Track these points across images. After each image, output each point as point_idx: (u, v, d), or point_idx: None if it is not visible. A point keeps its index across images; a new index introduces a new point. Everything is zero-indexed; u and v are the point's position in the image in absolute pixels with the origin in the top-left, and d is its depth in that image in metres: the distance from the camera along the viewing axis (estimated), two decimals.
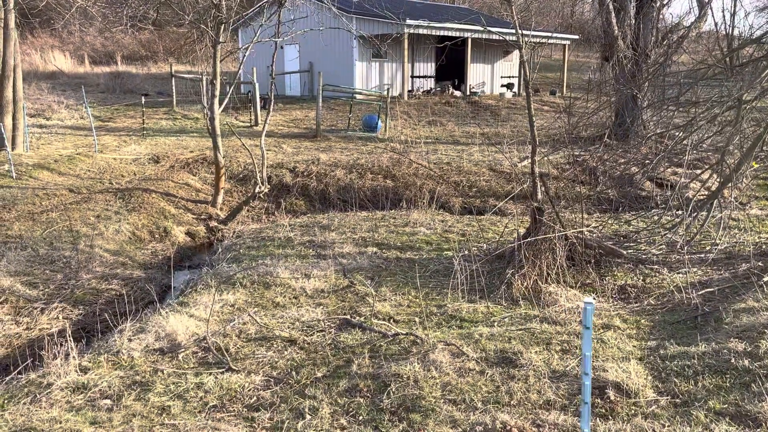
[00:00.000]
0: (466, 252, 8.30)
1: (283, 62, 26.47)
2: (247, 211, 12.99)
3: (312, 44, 24.10)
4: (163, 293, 8.46)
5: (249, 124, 20.11)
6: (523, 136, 17.45)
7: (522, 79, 29.12)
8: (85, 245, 9.65)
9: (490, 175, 14.22)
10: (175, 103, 22.33)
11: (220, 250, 9.87)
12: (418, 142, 17.35)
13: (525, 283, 6.88)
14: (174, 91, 22.51)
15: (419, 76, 26.76)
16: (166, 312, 6.48)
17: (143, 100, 19.96)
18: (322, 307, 6.71)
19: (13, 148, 14.66)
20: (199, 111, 21.45)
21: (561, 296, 6.67)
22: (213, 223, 12.13)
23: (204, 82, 19.11)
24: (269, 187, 12.86)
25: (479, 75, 28.35)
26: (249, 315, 6.33)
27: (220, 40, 11.72)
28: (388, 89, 20.46)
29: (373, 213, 11.71)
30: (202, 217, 12.37)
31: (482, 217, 11.52)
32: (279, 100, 23.22)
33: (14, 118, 14.84)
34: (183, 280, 8.90)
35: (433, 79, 27.28)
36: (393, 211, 11.80)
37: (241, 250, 9.30)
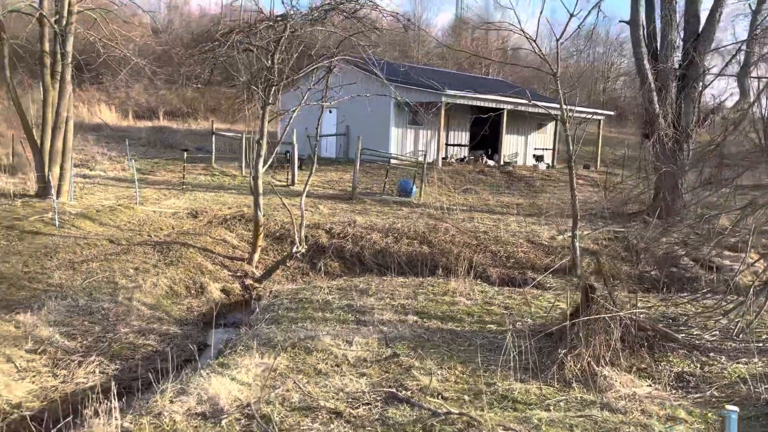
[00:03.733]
0: (511, 326, 8.05)
1: (321, 125, 27.00)
2: (282, 270, 12.92)
3: (350, 109, 24.57)
4: (199, 351, 8.30)
5: (286, 183, 20.35)
6: (559, 209, 17.31)
7: (562, 151, 29.25)
8: (123, 297, 9.60)
9: (528, 247, 14.01)
10: (213, 159, 22.78)
11: (258, 309, 9.75)
12: (453, 209, 17.30)
13: (579, 365, 6.59)
14: (213, 147, 23.03)
15: (453, 144, 27.03)
16: (207, 373, 6.31)
17: (185, 155, 20.42)
18: (365, 377, 6.48)
19: (57, 197, 14.94)
20: (236, 168, 21.84)
21: (616, 381, 6.36)
22: (248, 281, 12.06)
23: (244, 141, 19.56)
24: (306, 246, 12.83)
25: (513, 146, 28.55)
26: (294, 382, 6.12)
27: (270, 101, 12.00)
28: (423, 155, 20.64)
29: (411, 279, 11.53)
30: (238, 274, 12.31)
31: (521, 289, 11.26)
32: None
33: (62, 168, 15.21)
34: (220, 339, 8.75)
35: (467, 147, 27.54)
36: (431, 278, 11.62)
37: (279, 311, 9.16)
